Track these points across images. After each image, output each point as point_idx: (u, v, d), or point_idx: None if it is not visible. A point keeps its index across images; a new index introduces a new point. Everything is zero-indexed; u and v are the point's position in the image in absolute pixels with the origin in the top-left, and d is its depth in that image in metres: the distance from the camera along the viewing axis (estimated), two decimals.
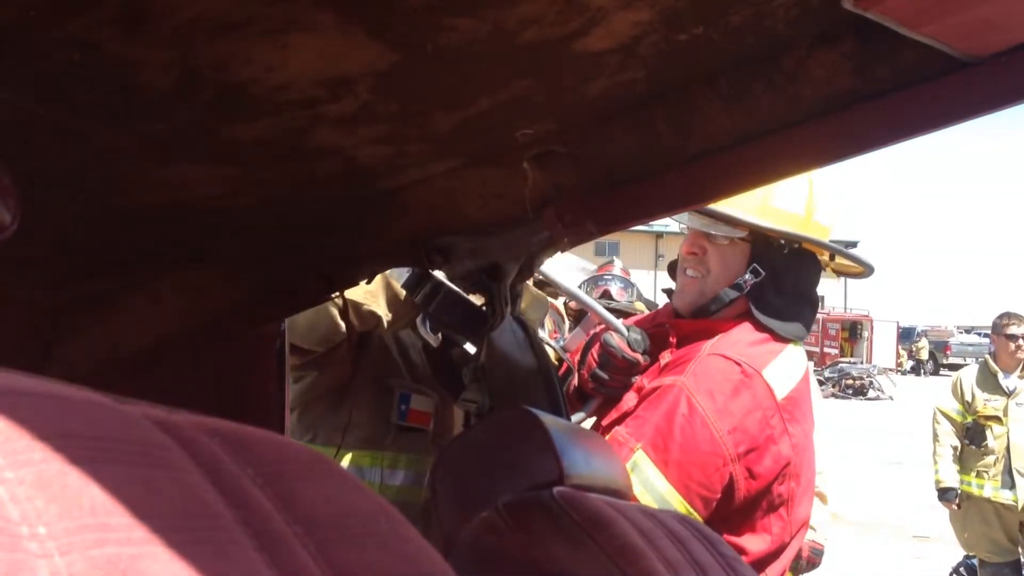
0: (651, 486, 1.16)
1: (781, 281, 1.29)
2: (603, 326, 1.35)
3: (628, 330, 1.31)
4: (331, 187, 0.83)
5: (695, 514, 1.16)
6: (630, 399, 1.28)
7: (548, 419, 0.67)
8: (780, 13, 0.60)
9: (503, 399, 0.95)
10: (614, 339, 1.28)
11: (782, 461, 1.23)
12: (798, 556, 2.22)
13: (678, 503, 1.15)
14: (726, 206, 1.25)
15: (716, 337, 1.27)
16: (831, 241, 1.34)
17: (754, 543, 1.23)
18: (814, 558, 2.32)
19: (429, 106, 0.68)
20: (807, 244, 1.30)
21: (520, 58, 0.61)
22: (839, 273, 1.43)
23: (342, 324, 1.37)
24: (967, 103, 0.62)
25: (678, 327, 1.31)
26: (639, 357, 1.28)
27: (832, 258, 1.35)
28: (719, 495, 1.18)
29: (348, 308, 1.29)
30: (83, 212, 0.80)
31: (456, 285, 1.01)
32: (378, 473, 1.46)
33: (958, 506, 3.91)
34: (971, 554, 4.04)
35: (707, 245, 1.30)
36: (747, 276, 1.27)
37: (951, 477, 3.88)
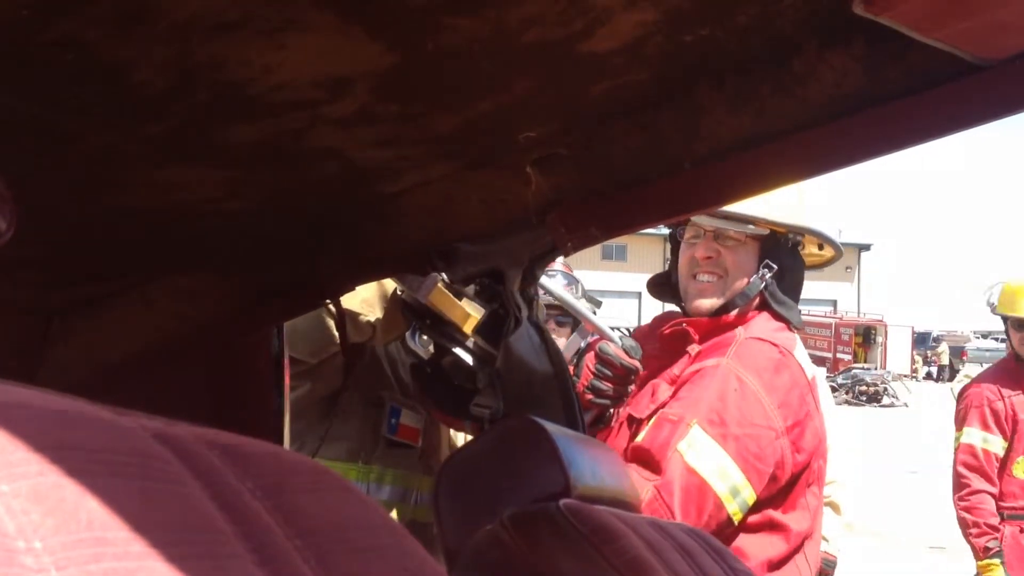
0: (711, 461, 1.19)
1: (785, 274, 1.40)
2: (595, 337, 1.37)
3: (621, 339, 1.33)
4: (329, 190, 0.82)
5: (750, 488, 1.21)
6: (664, 390, 1.33)
7: (554, 428, 0.66)
8: (789, 14, 0.59)
9: (518, 405, 0.94)
10: (610, 347, 1.31)
11: (818, 436, 1.32)
12: None
13: (739, 476, 1.20)
14: (743, 206, 1.32)
15: (742, 326, 1.36)
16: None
17: (798, 521, 1.29)
18: (827, 570, 2.28)
19: (429, 108, 0.67)
20: (807, 236, 1.42)
21: (522, 59, 0.60)
22: (812, 266, 1.55)
23: (336, 335, 1.37)
24: (979, 107, 0.60)
25: (698, 325, 1.38)
26: (637, 364, 1.31)
27: (820, 248, 1.47)
28: (771, 470, 1.23)
29: (344, 319, 1.29)
30: (76, 214, 0.79)
31: (460, 288, 1.00)
32: (364, 487, 1.44)
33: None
34: None
35: (720, 247, 1.38)
36: (763, 271, 1.36)
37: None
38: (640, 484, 1.14)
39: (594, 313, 2.65)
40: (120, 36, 0.52)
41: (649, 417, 1.29)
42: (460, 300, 0.98)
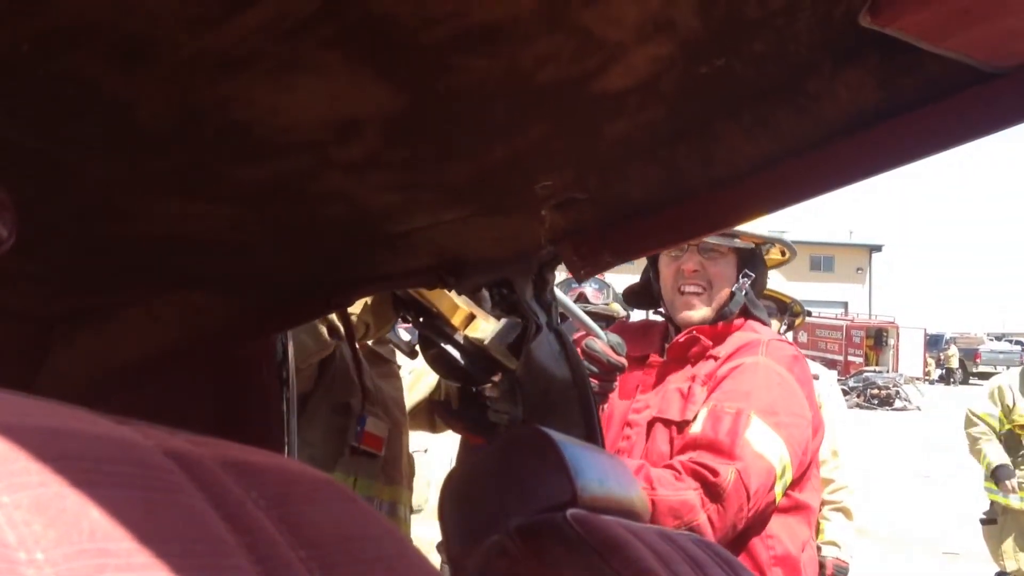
0: (771, 446, 1.32)
1: (757, 281, 1.53)
2: (580, 333, 1.37)
3: (607, 335, 1.37)
4: (337, 228, 0.81)
5: (791, 472, 1.35)
6: (699, 391, 1.40)
7: (560, 437, 0.65)
8: (803, 37, 0.58)
9: (537, 411, 0.94)
10: (597, 344, 1.33)
11: (823, 424, 1.48)
12: (820, 574, 2.18)
13: (788, 460, 1.34)
14: None
15: (747, 330, 1.47)
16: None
17: (812, 497, 1.45)
18: None
19: (441, 153, 0.66)
20: (777, 244, 1.57)
21: (537, 100, 0.59)
22: (771, 268, 1.69)
23: (328, 340, 1.35)
24: (994, 115, 0.59)
25: (706, 332, 1.47)
26: (623, 360, 1.35)
27: (783, 253, 1.62)
28: (801, 455, 1.37)
29: (349, 323, 1.28)
30: (81, 235, 0.79)
31: (468, 297, 1.00)
32: None
33: (992, 519, 3.80)
34: (1006, 571, 3.92)
35: (703, 260, 1.47)
36: (743, 280, 1.48)
37: (1001, 456, 3.70)
38: (723, 469, 1.26)
39: (627, 317, 2.63)
40: (123, 73, 0.51)
41: (695, 417, 1.37)
42: (450, 291, 0.98)
